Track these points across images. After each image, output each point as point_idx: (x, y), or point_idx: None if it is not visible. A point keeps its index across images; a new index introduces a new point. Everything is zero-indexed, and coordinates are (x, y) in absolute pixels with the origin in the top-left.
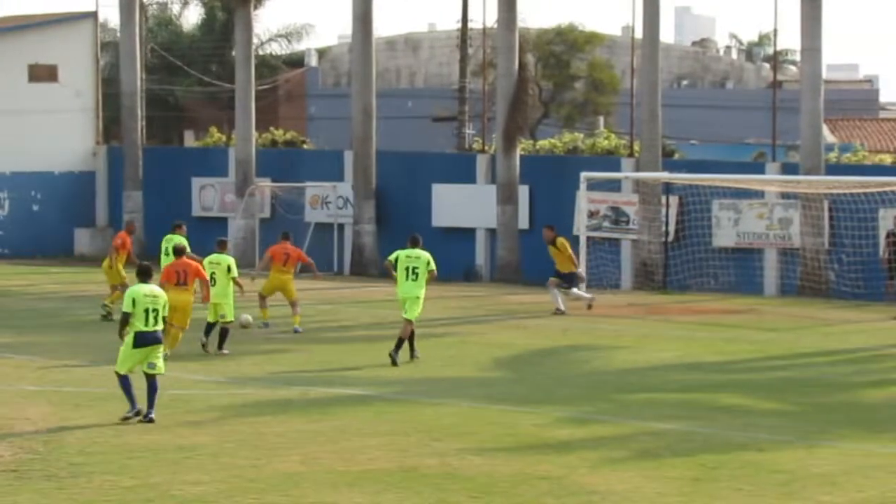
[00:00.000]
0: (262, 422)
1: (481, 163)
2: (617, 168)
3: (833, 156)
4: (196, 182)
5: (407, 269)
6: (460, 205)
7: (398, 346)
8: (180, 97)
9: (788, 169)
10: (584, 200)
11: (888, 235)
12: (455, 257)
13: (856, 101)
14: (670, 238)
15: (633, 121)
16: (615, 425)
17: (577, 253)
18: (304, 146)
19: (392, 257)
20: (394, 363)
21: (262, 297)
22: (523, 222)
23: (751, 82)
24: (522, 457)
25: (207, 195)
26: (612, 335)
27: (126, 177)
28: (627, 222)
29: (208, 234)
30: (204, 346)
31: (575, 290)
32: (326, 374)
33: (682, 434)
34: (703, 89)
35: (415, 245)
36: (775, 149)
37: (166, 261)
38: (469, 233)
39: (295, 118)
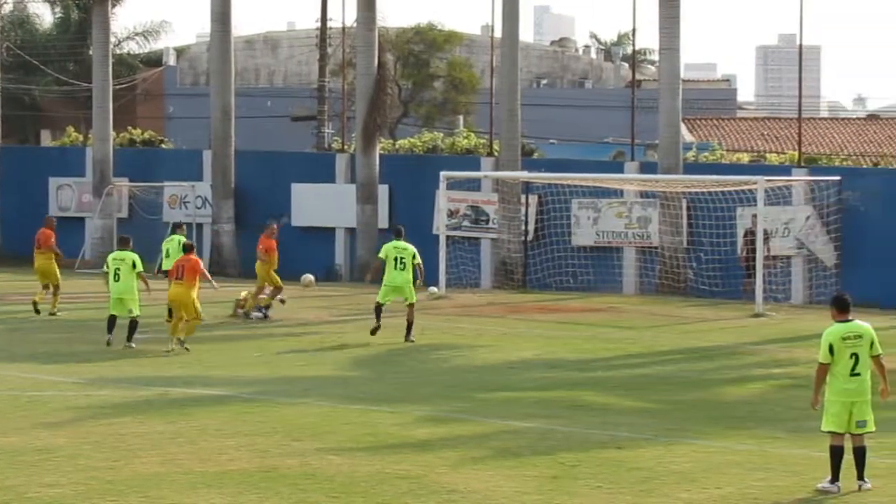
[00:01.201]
0: (121, 423)
1: (341, 162)
2: (476, 167)
3: (691, 155)
4: (53, 182)
5: (395, 259)
6: (320, 204)
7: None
8: (37, 96)
9: (647, 168)
10: (444, 199)
11: (746, 234)
12: (315, 257)
13: (714, 100)
14: (530, 237)
15: (493, 120)
16: (475, 424)
17: (436, 252)
18: (163, 146)
19: (382, 253)
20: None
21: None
22: (383, 222)
23: (610, 82)
24: (382, 456)
25: (65, 195)
26: (472, 334)
27: None
28: (487, 221)
29: (66, 235)
30: (108, 343)
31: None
32: (186, 375)
33: (542, 432)
34: (562, 89)
35: (399, 236)
36: (634, 148)
37: (168, 262)
38: (329, 232)
39: (153, 118)
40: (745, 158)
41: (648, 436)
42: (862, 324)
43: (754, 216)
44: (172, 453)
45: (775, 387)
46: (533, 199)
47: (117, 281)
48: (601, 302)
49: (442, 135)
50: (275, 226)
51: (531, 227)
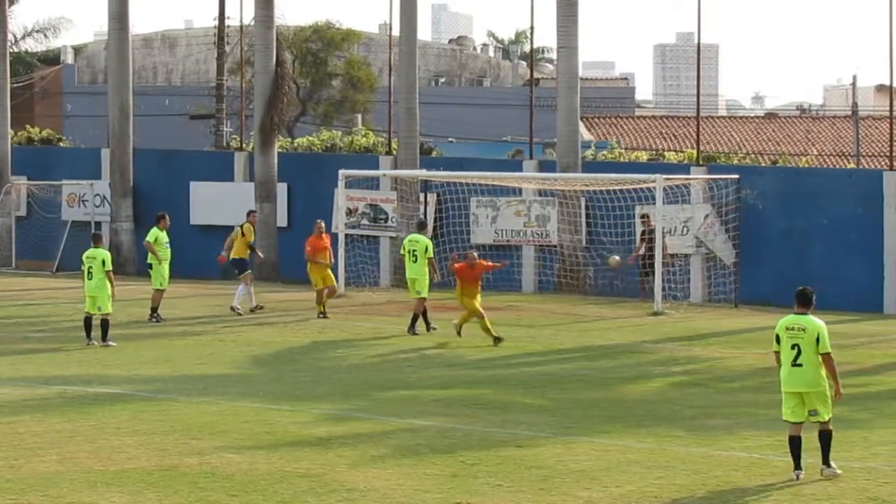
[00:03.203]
0: (19, 421)
1: (239, 160)
2: (375, 165)
3: (590, 153)
4: None
5: (409, 252)
6: (218, 203)
7: (414, 321)
8: None
9: (545, 166)
10: (343, 198)
11: (643, 234)
12: (213, 255)
13: (612, 98)
14: (429, 235)
15: (391, 118)
16: (374, 422)
17: (335, 251)
18: (61, 144)
19: (401, 250)
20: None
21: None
22: (282, 220)
23: (508, 80)
24: (281, 454)
25: None
26: (370, 333)
27: None
28: (386, 220)
29: None
30: (89, 345)
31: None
32: (84, 374)
33: (441, 431)
34: (460, 87)
35: (420, 229)
36: (532, 146)
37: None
38: (227, 231)
39: (51, 116)
40: (643, 157)
41: (548, 434)
42: (812, 318)
43: (644, 216)
44: (71, 452)
45: (674, 385)
46: (431, 198)
47: (90, 279)
48: (500, 300)
49: (340, 133)
50: (322, 224)
51: (429, 225)
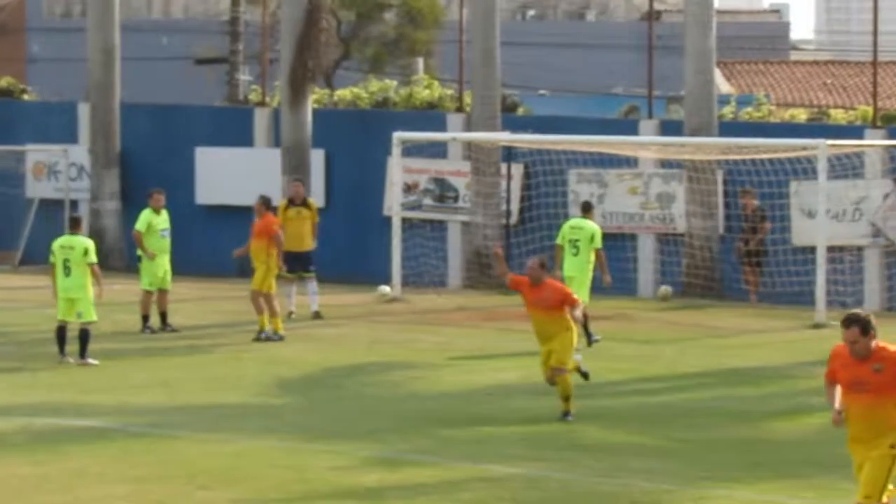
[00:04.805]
0: None
1: (260, 119)
2: (442, 127)
3: (729, 111)
4: None
5: (569, 241)
6: (233, 175)
7: (585, 330)
8: None
9: (669, 128)
10: (398, 170)
11: (746, 219)
12: (226, 245)
13: (759, 38)
14: (513, 220)
15: (463, 64)
16: (439, 468)
17: (388, 240)
18: (24, 97)
19: (559, 239)
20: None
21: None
22: (318, 198)
23: (619, 12)
24: None
25: None
26: (435, 349)
27: None
28: (456, 199)
29: None
30: (62, 362)
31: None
32: (56, 401)
33: (529, 480)
34: (555, 22)
35: (586, 212)
36: (652, 102)
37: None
38: (245, 213)
39: (10, 59)
40: (801, 116)
41: (672, 485)
42: None
43: (745, 192)
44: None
45: None
46: (517, 170)
47: (66, 276)
48: (608, 307)
49: (395, 83)
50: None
51: (514, 206)
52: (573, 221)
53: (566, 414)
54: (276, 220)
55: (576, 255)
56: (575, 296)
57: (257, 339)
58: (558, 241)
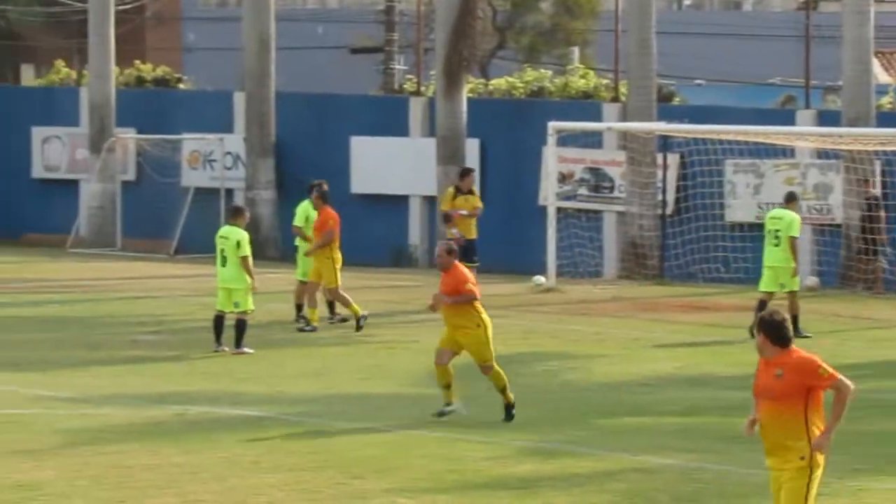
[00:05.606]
0: (126, 452)
1: (415, 108)
2: (597, 117)
3: (887, 101)
4: (37, 132)
5: (770, 232)
6: (388, 164)
7: (794, 322)
8: (14, 20)
9: (826, 118)
10: (553, 159)
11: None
12: (381, 234)
13: None
14: (669, 210)
15: (619, 54)
16: (594, 459)
17: (543, 229)
18: (180, 86)
19: (764, 229)
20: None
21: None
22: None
23: (776, 2)
24: (471, 500)
25: (52, 150)
26: (590, 340)
27: None
28: (611, 189)
29: (53, 202)
30: (217, 351)
31: None
32: (211, 390)
33: (684, 472)
34: (712, 12)
35: (789, 202)
36: (809, 92)
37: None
38: (400, 202)
39: (167, 49)
40: None
41: (828, 478)
42: None
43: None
44: (194, 493)
45: None
46: (673, 160)
47: (224, 266)
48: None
49: (550, 73)
50: None
51: (670, 196)
52: (774, 212)
53: (509, 407)
54: (334, 215)
55: (777, 245)
56: (471, 287)
57: (301, 330)
58: (765, 230)
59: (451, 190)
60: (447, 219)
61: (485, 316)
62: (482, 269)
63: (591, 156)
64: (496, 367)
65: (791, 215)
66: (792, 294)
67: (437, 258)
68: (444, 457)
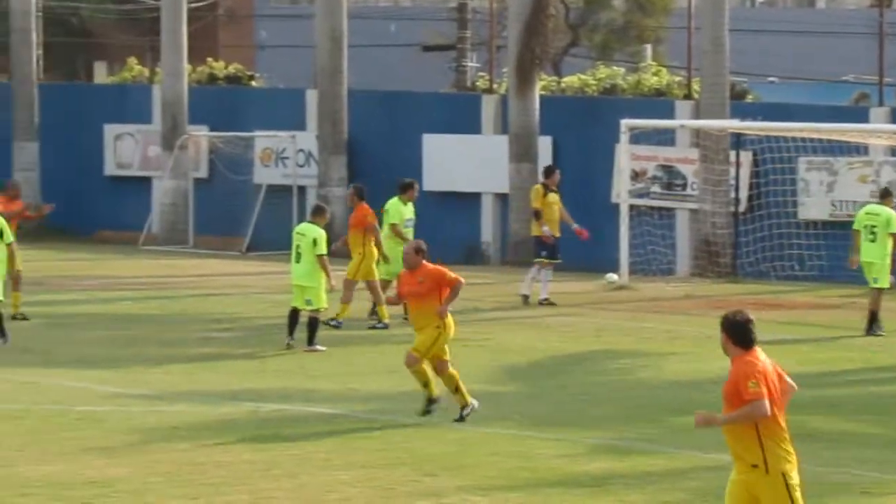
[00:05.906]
0: (199, 449)
1: (488, 106)
2: (670, 114)
3: None
4: (110, 130)
5: (865, 227)
6: (460, 162)
7: (872, 320)
8: (87, 18)
9: None
10: (626, 157)
11: None
12: (454, 231)
13: None
14: (741, 208)
15: (691, 51)
16: (667, 457)
17: (615, 227)
18: (253, 83)
19: (855, 224)
20: None
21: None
22: None
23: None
24: (544, 497)
25: (125, 147)
26: (663, 338)
27: (16, 123)
28: (684, 186)
29: (125, 199)
30: (289, 345)
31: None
32: (283, 387)
33: None
34: (785, 9)
35: (884, 198)
36: (882, 89)
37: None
38: (472, 199)
39: (240, 46)
40: None
41: (892, 476)
42: None
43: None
44: (266, 490)
45: None
46: (746, 158)
47: (298, 262)
48: (838, 296)
49: (623, 70)
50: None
51: (743, 194)
52: (869, 207)
53: (464, 407)
54: (370, 211)
55: (873, 241)
56: (455, 275)
57: (326, 324)
58: (855, 226)
59: (538, 187)
60: (537, 216)
61: (449, 320)
62: (557, 266)
63: (664, 153)
64: (438, 368)
65: (889, 212)
66: (879, 291)
67: (405, 256)
68: (516, 454)
